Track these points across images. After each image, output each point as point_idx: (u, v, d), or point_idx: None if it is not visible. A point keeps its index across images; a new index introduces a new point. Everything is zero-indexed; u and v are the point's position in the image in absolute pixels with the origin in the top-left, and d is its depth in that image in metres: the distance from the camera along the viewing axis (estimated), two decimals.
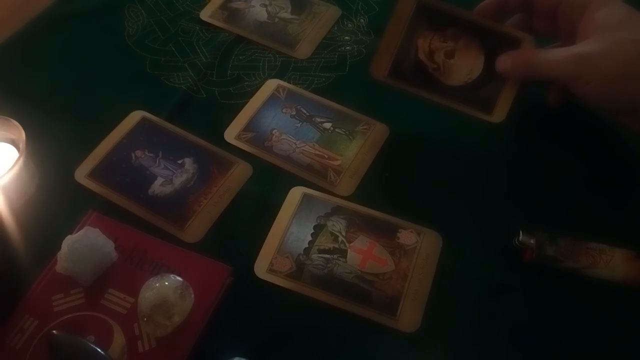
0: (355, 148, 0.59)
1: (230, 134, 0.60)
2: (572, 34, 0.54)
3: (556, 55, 0.53)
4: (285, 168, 0.57)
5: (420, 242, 0.53)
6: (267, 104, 0.62)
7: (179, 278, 0.47)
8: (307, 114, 0.62)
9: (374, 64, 0.59)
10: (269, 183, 0.57)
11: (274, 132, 0.60)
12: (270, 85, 0.64)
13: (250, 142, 0.59)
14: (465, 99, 0.58)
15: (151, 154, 0.58)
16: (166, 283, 0.46)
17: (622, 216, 0.55)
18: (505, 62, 0.56)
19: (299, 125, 0.61)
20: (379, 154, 0.59)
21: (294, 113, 0.62)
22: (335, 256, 0.52)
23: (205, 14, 0.70)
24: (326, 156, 0.58)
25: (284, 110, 0.62)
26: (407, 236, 0.53)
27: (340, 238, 0.53)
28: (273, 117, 0.61)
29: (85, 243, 0.48)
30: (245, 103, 0.62)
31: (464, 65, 0.59)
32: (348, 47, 0.68)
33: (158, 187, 0.55)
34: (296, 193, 0.56)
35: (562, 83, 0.55)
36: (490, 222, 0.54)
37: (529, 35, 0.59)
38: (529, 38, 0.58)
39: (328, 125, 0.61)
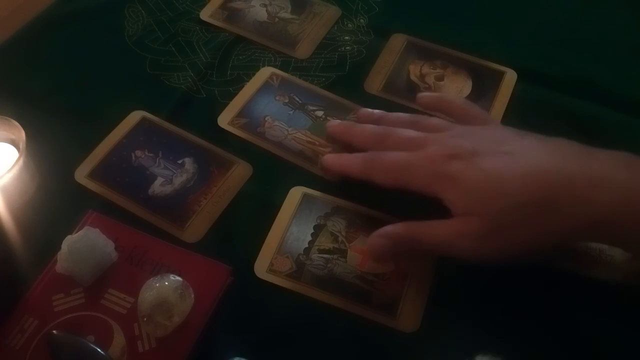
0: None
1: (224, 120, 0.60)
2: None
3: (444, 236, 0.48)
4: (277, 154, 0.58)
5: None
6: (261, 91, 0.63)
7: (179, 278, 0.47)
8: (300, 101, 0.62)
9: (368, 82, 0.64)
10: (269, 183, 0.56)
11: (266, 118, 0.60)
12: (264, 72, 0.64)
13: (244, 128, 0.60)
14: None
15: (151, 154, 0.58)
16: (166, 283, 0.46)
17: None
18: (387, 234, 0.50)
19: (291, 112, 0.61)
20: None
21: (286, 101, 0.62)
22: (335, 256, 0.52)
23: (205, 14, 0.70)
24: (317, 143, 0.59)
25: (277, 98, 0.62)
26: None
27: (340, 238, 0.53)
28: (266, 104, 0.62)
29: (85, 243, 0.48)
30: None
31: (454, 87, 0.63)
32: (348, 47, 0.68)
33: (158, 187, 0.55)
34: (296, 193, 0.56)
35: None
36: None
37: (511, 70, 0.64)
38: (512, 72, 0.64)
39: (320, 113, 0.61)
